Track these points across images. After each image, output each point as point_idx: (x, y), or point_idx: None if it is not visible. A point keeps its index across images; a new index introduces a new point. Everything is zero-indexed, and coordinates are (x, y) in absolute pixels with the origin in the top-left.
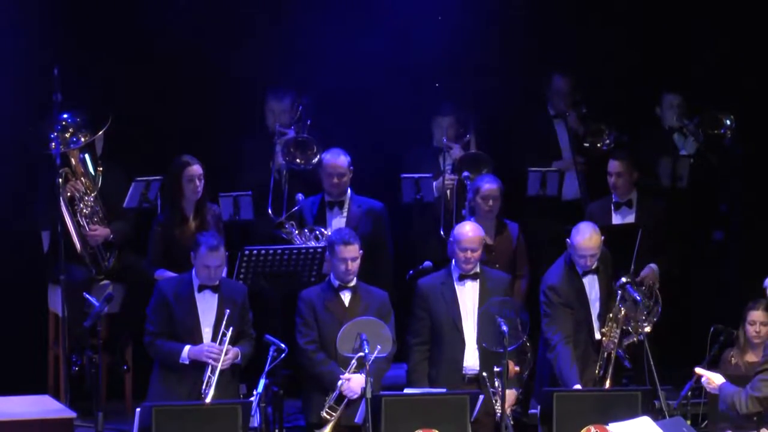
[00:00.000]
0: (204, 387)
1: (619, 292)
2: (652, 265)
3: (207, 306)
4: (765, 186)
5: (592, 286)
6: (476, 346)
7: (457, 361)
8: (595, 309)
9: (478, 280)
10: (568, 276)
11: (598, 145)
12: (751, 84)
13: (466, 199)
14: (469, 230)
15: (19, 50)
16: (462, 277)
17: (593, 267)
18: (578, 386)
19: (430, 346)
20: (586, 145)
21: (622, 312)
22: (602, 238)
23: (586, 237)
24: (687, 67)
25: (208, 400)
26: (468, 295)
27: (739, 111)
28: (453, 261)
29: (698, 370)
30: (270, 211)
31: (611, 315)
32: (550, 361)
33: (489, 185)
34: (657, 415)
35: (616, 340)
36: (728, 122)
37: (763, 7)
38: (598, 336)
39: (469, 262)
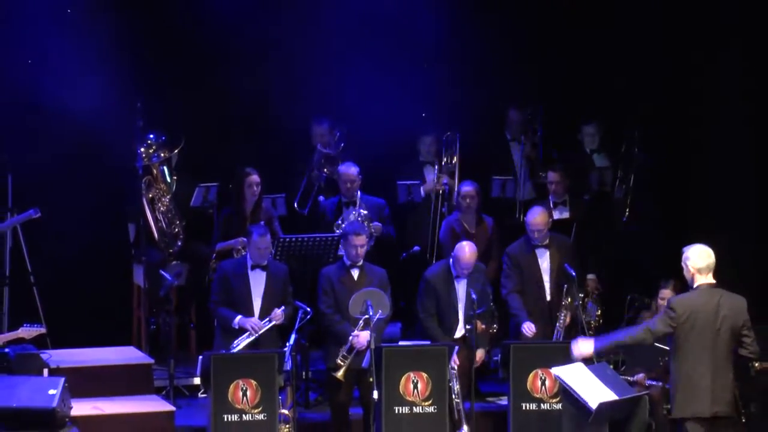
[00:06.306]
0: (236, 341)
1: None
2: (592, 276)
3: (258, 281)
4: (664, 188)
5: (543, 257)
6: (463, 318)
7: (452, 330)
8: (546, 274)
9: (468, 279)
10: (522, 247)
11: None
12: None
13: (445, 200)
14: (467, 251)
15: (109, 85)
16: (458, 277)
17: (543, 243)
18: (528, 324)
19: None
20: (540, 166)
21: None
22: (550, 219)
23: (534, 215)
24: (601, 99)
25: (234, 351)
26: (461, 287)
27: (645, 127)
28: (451, 261)
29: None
30: (296, 205)
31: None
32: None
33: (466, 188)
34: (587, 362)
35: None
36: (642, 160)
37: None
38: (549, 298)
39: (467, 270)
